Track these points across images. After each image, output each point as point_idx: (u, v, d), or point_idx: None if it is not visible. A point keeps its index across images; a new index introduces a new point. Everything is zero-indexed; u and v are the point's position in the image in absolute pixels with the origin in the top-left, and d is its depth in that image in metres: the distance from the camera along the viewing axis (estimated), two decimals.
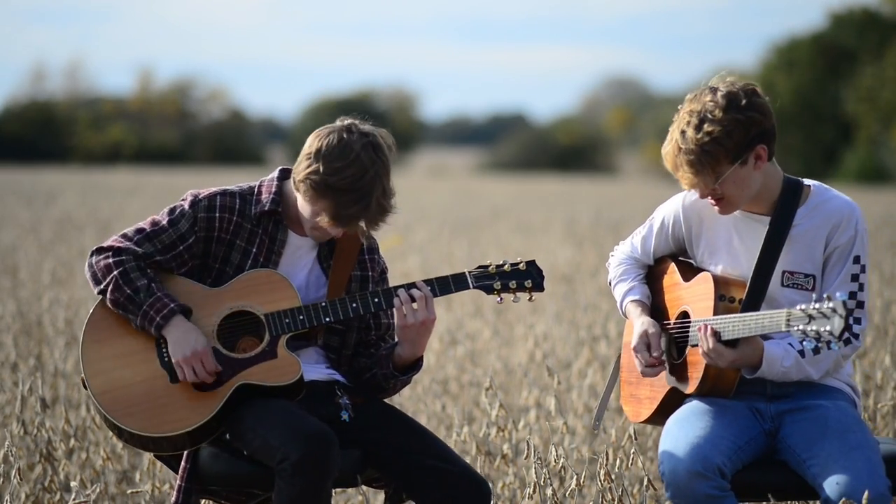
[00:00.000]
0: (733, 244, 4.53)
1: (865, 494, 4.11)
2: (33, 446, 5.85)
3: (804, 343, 4.18)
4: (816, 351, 4.38)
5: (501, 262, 4.62)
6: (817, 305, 4.10)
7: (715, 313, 4.43)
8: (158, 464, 5.50)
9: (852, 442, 4.31)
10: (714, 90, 4.40)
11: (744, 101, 4.37)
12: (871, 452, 4.28)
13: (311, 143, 4.49)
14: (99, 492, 5.56)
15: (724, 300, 4.45)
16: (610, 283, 4.80)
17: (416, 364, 4.61)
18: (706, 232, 4.59)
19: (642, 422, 4.71)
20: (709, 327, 4.37)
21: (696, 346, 4.43)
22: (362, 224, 4.48)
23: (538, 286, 4.61)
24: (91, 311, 4.56)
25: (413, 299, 4.51)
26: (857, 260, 4.45)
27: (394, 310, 4.58)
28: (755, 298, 4.45)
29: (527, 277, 4.60)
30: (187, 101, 69.05)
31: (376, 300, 4.53)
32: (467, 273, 4.59)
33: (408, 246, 16.40)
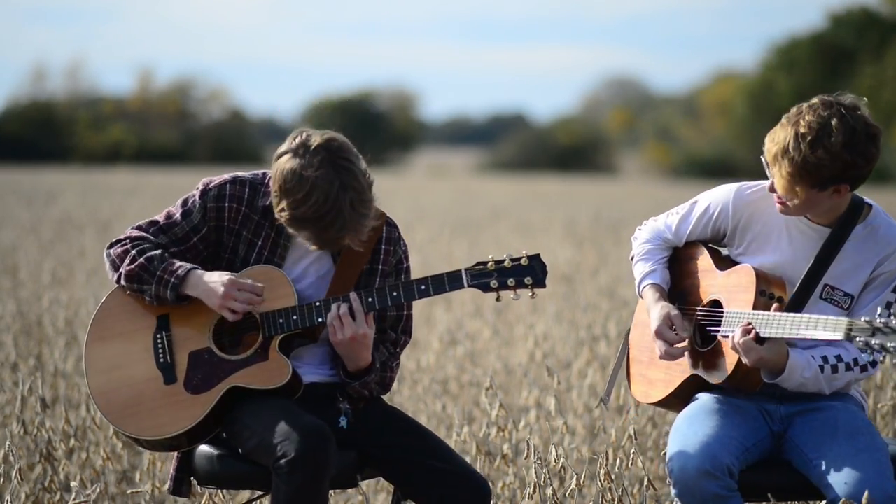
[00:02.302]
0: (782, 245, 4.50)
1: (865, 495, 4.11)
2: (33, 446, 5.85)
3: (863, 356, 4.19)
4: (835, 370, 4.39)
5: (502, 258, 4.51)
6: (884, 319, 4.08)
7: (754, 308, 4.40)
8: (158, 464, 5.51)
9: (861, 444, 4.31)
10: (843, 116, 4.36)
11: (860, 146, 4.36)
12: (880, 455, 4.28)
13: (274, 178, 4.40)
14: (99, 492, 5.56)
15: (764, 296, 4.41)
16: (632, 259, 4.74)
17: (368, 370, 4.53)
18: (755, 226, 4.55)
19: (651, 403, 4.66)
20: (749, 322, 4.34)
21: (729, 336, 4.40)
22: (350, 239, 4.40)
23: (539, 282, 4.49)
24: (97, 307, 4.57)
25: (339, 314, 4.42)
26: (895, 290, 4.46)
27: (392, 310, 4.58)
28: (799, 302, 4.44)
29: (527, 274, 4.49)
30: (187, 101, 69.01)
31: (370, 300, 4.46)
32: (463, 271, 4.50)
33: (408, 245, 16.37)
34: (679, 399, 4.57)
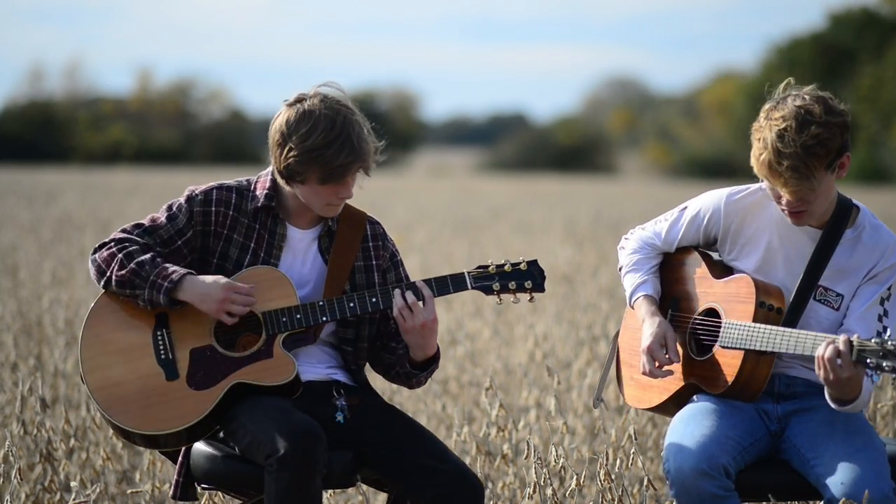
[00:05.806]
0: (772, 248, 4.48)
1: (866, 494, 4.11)
2: (33, 446, 5.85)
3: (873, 376, 4.17)
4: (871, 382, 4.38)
5: (502, 262, 4.58)
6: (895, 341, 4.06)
7: (754, 320, 4.37)
8: (158, 464, 5.51)
9: (858, 443, 4.31)
10: (799, 96, 4.33)
11: (840, 107, 4.33)
12: (877, 454, 4.28)
13: (274, 133, 4.51)
14: (99, 492, 5.56)
15: (763, 307, 4.39)
16: (620, 269, 4.74)
17: (433, 359, 4.60)
18: (746, 230, 4.52)
19: (645, 409, 4.66)
20: (840, 340, 4.18)
21: (728, 347, 4.39)
22: (359, 169, 4.49)
23: (538, 287, 4.57)
24: (92, 305, 4.55)
25: (408, 302, 4.48)
26: (890, 287, 4.43)
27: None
28: (797, 309, 4.42)
29: (527, 278, 4.57)
30: (187, 101, 69.06)
31: (374, 300, 4.52)
32: (466, 273, 4.56)
33: (408, 246, 16.38)
34: (675, 405, 4.55)
